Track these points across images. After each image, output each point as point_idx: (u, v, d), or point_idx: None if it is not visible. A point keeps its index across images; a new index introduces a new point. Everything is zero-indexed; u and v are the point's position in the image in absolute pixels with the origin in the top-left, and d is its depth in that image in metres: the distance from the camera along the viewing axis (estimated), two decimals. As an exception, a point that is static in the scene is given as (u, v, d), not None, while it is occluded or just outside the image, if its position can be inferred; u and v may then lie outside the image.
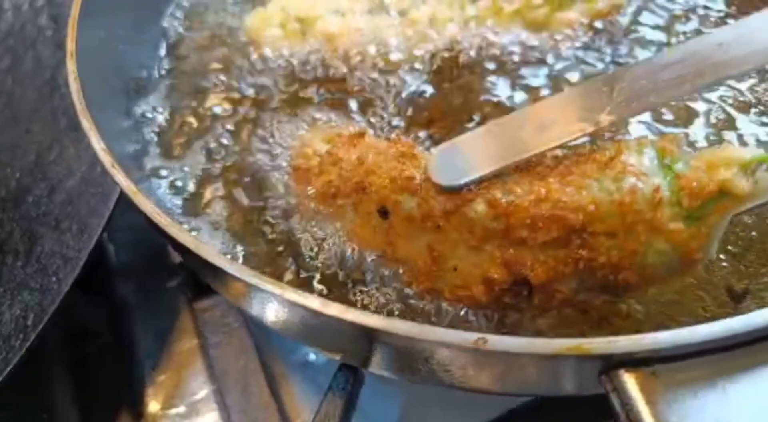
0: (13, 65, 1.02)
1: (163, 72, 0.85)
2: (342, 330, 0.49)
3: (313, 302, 0.47)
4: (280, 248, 0.67)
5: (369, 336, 0.47)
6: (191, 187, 0.73)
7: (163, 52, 0.87)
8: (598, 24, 0.85)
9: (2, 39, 1.06)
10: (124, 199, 0.69)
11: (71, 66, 0.67)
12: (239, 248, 0.68)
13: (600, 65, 0.80)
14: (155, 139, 0.78)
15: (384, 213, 0.61)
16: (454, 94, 0.79)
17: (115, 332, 0.85)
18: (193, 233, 0.68)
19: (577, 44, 0.83)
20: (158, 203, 0.69)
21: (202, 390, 0.82)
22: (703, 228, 0.53)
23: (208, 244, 0.61)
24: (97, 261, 0.80)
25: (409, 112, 0.77)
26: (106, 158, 0.58)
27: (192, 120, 0.80)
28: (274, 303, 0.51)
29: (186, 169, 0.74)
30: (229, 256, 0.65)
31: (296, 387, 0.82)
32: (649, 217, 0.53)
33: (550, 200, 0.54)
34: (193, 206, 0.71)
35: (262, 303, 0.52)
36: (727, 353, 0.43)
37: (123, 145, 0.75)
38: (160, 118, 0.80)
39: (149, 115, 0.81)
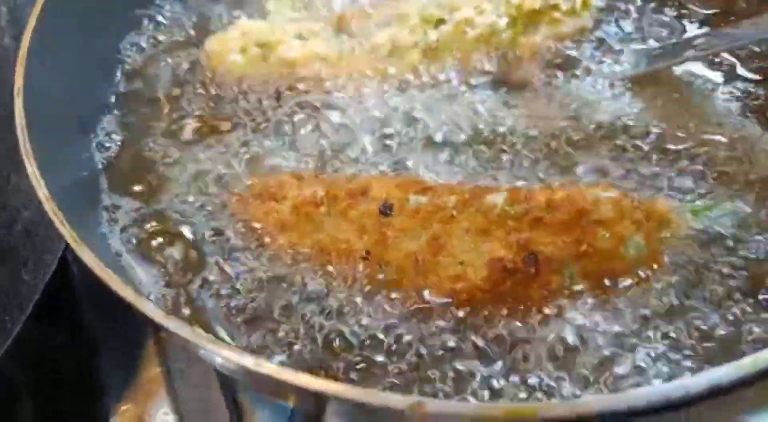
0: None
1: (116, 100, 0.83)
2: (287, 389, 0.48)
3: (248, 361, 0.46)
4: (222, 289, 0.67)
5: (316, 397, 0.47)
6: (140, 221, 0.72)
7: (117, 79, 0.85)
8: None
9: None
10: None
11: (18, 104, 0.66)
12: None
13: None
14: (107, 168, 0.77)
15: (387, 210, 0.66)
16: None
17: (78, 360, 0.84)
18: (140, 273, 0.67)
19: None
20: (104, 245, 0.68)
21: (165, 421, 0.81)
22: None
23: (147, 299, 0.59)
24: (59, 284, 0.79)
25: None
26: (48, 205, 0.57)
27: (145, 150, 0.79)
28: (216, 358, 0.50)
29: (136, 203, 0.73)
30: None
31: (260, 418, 0.81)
32: (635, 216, 0.64)
33: (564, 191, 0.66)
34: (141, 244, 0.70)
35: (205, 356, 0.52)
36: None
37: (74, 176, 0.74)
38: (113, 148, 0.79)
39: (106, 144, 0.80)
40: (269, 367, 0.45)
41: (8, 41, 1.08)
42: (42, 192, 0.59)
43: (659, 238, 0.64)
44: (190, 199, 0.74)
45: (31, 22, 0.75)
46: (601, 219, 0.63)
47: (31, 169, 0.60)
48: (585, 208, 0.64)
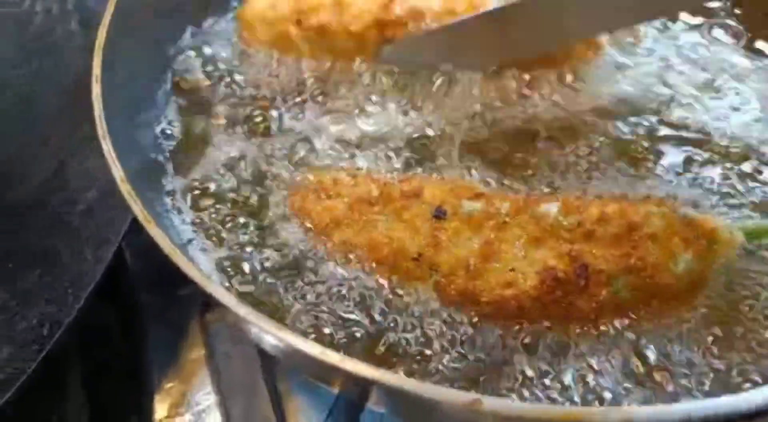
0: (39, 69, 1.04)
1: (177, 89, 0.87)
2: (339, 375, 0.51)
3: (314, 349, 0.49)
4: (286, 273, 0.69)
5: (365, 385, 0.49)
6: (200, 208, 0.75)
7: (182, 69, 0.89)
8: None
9: (30, 40, 1.08)
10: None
11: (96, 90, 0.70)
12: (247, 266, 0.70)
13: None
14: (170, 155, 0.80)
15: (441, 214, 0.68)
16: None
17: (127, 338, 0.88)
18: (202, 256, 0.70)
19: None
20: (170, 227, 0.71)
21: (207, 401, 0.84)
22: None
23: (212, 278, 0.62)
24: (113, 267, 0.82)
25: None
26: (124, 187, 0.61)
27: (206, 134, 0.82)
28: (274, 340, 0.53)
29: (196, 191, 0.77)
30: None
31: (300, 404, 0.84)
32: (684, 233, 0.65)
33: (617, 203, 0.68)
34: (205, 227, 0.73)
35: (262, 338, 0.54)
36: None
37: (140, 160, 0.77)
38: (176, 135, 0.82)
39: (168, 131, 0.83)
40: (335, 356, 0.47)
41: (74, 25, 1.12)
42: (118, 173, 0.62)
43: (709, 257, 0.65)
44: (246, 191, 0.77)
45: (109, 10, 0.78)
46: (651, 234, 0.64)
47: (108, 150, 0.64)
48: (636, 222, 0.65)
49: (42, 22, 1.10)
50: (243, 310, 0.51)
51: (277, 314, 0.65)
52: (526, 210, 0.68)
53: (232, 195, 0.76)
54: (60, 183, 0.90)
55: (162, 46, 0.88)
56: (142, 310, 0.88)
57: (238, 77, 0.88)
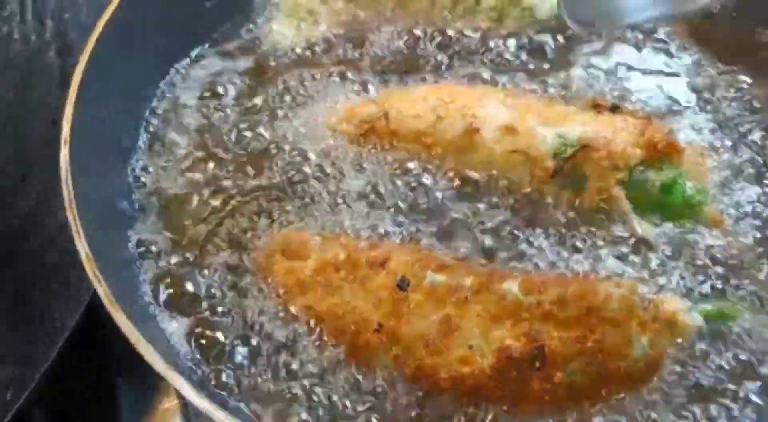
0: (18, 99, 1.03)
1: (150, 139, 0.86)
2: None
3: None
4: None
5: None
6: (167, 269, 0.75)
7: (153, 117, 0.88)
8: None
9: (7, 68, 1.07)
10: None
11: (65, 152, 0.70)
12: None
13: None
14: (141, 207, 0.80)
15: (404, 285, 0.68)
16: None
17: (99, 386, 0.89)
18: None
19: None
20: (136, 293, 0.72)
21: (180, 449, 0.86)
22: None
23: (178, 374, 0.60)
24: (87, 311, 0.83)
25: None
26: (89, 265, 0.61)
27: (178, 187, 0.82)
28: None
29: (166, 246, 0.77)
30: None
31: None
32: (641, 317, 0.67)
33: (577, 283, 0.69)
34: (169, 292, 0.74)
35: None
36: None
37: (110, 215, 0.77)
38: (150, 185, 0.82)
39: (143, 180, 0.83)
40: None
41: (52, 56, 1.12)
42: (83, 249, 0.62)
43: (665, 340, 0.67)
44: (212, 248, 0.77)
45: (82, 62, 0.78)
46: (609, 317, 0.66)
47: (74, 224, 0.64)
48: (595, 305, 0.66)
49: (20, 49, 1.09)
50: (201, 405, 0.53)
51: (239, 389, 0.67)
52: (488, 286, 0.68)
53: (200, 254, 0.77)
54: (34, 225, 0.89)
55: (138, 95, 0.88)
56: (115, 360, 0.89)
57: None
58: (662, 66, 0.95)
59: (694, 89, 0.91)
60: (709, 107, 0.89)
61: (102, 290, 0.60)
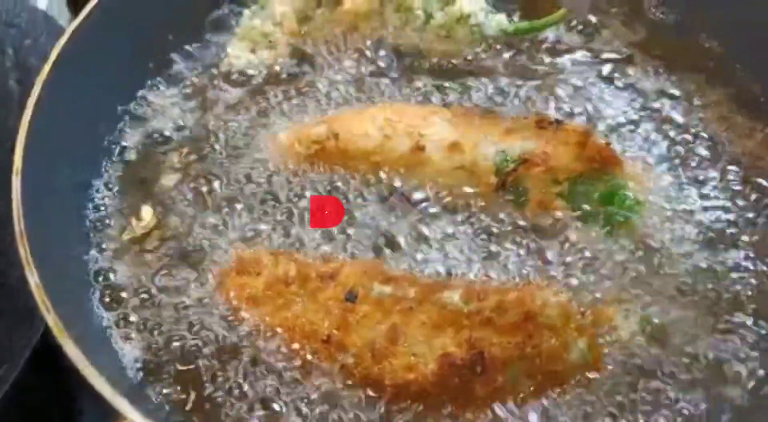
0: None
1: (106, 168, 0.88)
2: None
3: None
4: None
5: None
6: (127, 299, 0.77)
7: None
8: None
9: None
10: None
11: (16, 184, 0.71)
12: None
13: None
14: (99, 244, 0.82)
15: (352, 297, 0.71)
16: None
17: (59, 410, 0.89)
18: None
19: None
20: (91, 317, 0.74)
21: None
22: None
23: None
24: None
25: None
26: (38, 293, 0.63)
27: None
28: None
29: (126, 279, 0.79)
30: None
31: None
32: (578, 322, 0.70)
33: (516, 292, 0.72)
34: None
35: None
36: None
37: (66, 249, 0.79)
38: (105, 210, 0.84)
39: (98, 205, 0.85)
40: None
41: (12, 84, 1.13)
42: (33, 280, 0.64)
43: (602, 344, 0.70)
44: (168, 269, 0.79)
45: (33, 97, 0.79)
46: (547, 323, 0.69)
47: (24, 254, 0.66)
48: (532, 311, 0.69)
49: (-19, 79, 1.10)
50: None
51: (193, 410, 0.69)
52: (431, 296, 0.71)
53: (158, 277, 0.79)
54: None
55: (97, 123, 0.90)
56: (76, 381, 0.90)
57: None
58: (607, 77, 0.97)
59: (640, 96, 0.94)
60: (654, 115, 0.92)
61: (51, 319, 0.62)
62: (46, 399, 0.89)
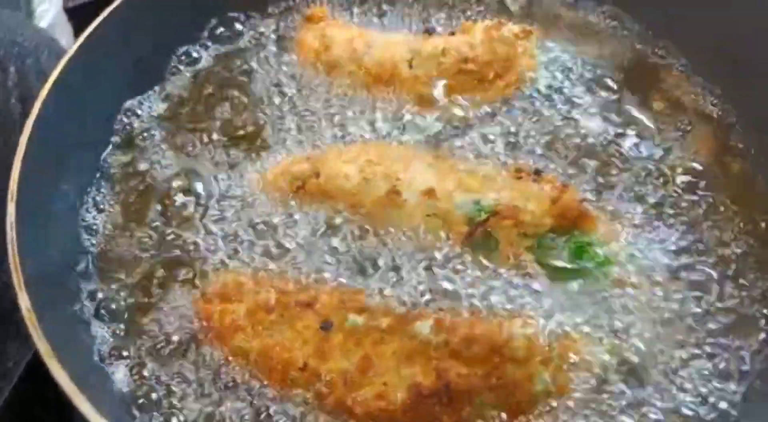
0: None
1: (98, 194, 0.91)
2: None
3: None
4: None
5: None
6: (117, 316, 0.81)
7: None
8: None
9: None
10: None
11: (11, 209, 0.74)
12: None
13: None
14: (92, 257, 0.85)
15: (327, 326, 0.74)
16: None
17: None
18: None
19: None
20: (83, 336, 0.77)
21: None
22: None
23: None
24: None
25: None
26: (28, 316, 0.66)
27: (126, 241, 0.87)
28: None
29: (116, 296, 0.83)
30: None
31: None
32: (544, 354, 0.74)
33: (484, 325, 0.75)
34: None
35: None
36: None
37: (57, 264, 0.82)
38: (100, 237, 0.87)
39: (93, 230, 0.88)
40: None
41: (14, 102, 1.16)
42: (24, 304, 0.67)
43: (567, 375, 0.73)
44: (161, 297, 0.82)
45: (31, 118, 0.83)
46: (512, 356, 0.72)
47: (17, 279, 0.69)
48: (499, 344, 0.72)
49: (-16, 98, 1.14)
50: None
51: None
52: (402, 327, 0.75)
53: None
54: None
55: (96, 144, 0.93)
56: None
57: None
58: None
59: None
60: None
61: (42, 346, 0.65)
62: (41, 412, 0.93)
